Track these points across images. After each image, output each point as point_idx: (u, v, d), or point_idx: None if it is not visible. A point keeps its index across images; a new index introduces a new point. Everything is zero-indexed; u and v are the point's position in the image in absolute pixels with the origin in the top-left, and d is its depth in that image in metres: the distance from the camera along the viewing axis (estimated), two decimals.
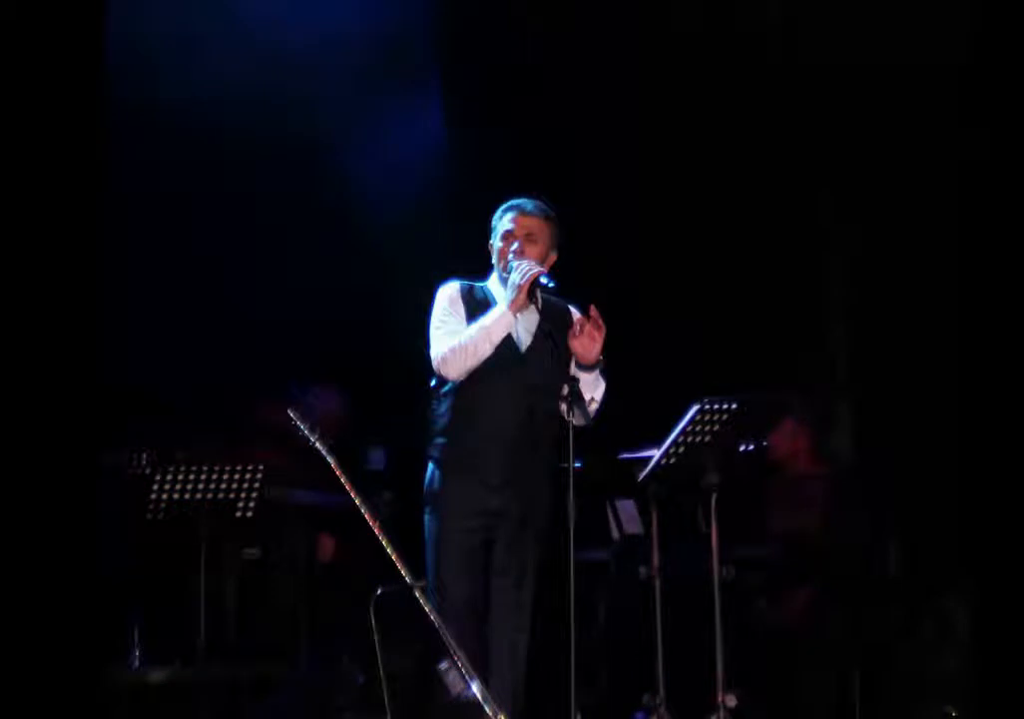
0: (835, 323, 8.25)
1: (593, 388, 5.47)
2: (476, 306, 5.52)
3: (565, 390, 5.26)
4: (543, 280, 5.36)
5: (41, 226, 7.16)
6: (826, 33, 7.72)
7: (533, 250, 5.51)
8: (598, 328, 5.37)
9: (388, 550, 4.89)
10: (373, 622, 5.07)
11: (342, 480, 4.99)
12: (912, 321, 7.68)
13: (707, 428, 6.03)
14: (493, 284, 5.60)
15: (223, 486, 6.09)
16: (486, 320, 5.42)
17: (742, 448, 6.69)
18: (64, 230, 7.61)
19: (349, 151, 8.07)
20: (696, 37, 7.93)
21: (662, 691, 6.25)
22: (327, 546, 6.87)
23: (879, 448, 7.76)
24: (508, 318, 5.41)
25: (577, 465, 5.23)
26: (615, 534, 7.16)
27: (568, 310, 5.60)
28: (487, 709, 4.82)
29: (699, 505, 6.49)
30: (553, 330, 5.46)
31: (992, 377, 7.08)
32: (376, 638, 5.08)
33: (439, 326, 5.52)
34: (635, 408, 6.40)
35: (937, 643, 6.70)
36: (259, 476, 6.12)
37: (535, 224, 5.55)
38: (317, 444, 5.25)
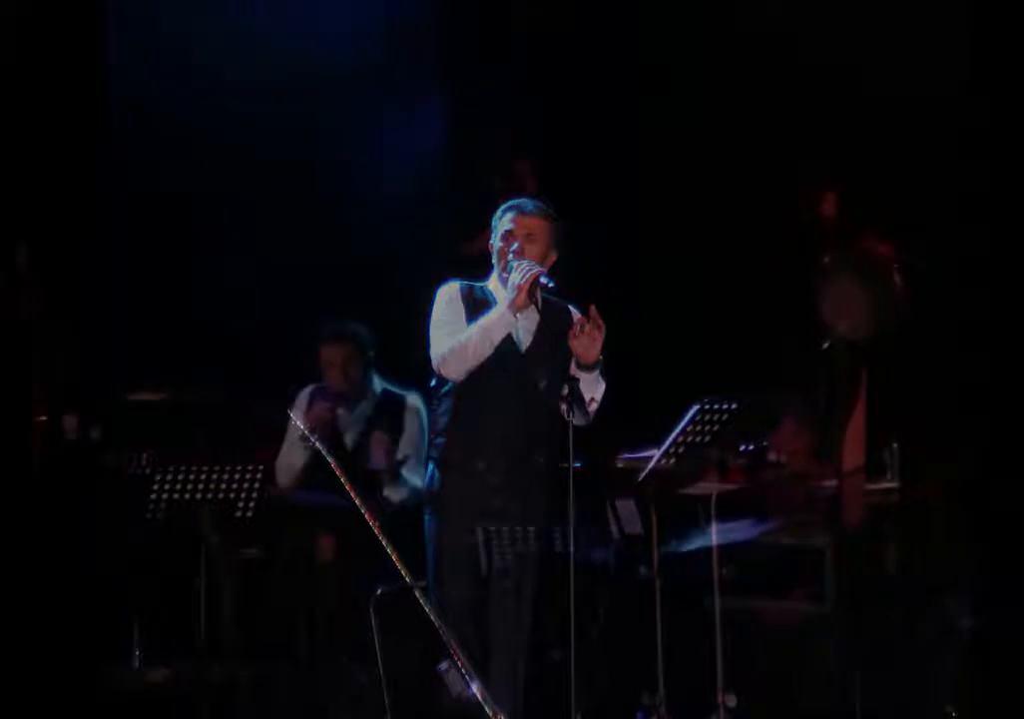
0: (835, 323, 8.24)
1: (593, 388, 5.47)
2: (476, 306, 5.52)
3: (565, 390, 5.27)
4: (543, 280, 5.36)
5: (41, 226, 7.17)
6: (826, 33, 7.71)
7: (533, 250, 5.51)
8: (598, 328, 5.37)
9: (388, 550, 4.88)
10: (373, 622, 5.07)
11: (342, 480, 4.99)
12: (912, 320, 7.67)
13: (707, 428, 6.03)
14: (493, 284, 5.60)
15: (223, 486, 6.08)
16: (486, 320, 5.42)
17: (742, 448, 6.69)
18: (64, 230, 7.63)
19: (349, 151, 8.08)
20: (696, 37, 7.93)
21: (662, 691, 6.25)
22: (327, 546, 6.87)
23: (879, 447, 7.76)
24: (508, 318, 5.41)
25: (577, 465, 5.23)
26: (615, 534, 7.16)
27: (568, 310, 5.60)
28: (487, 709, 4.81)
29: (699, 505, 6.49)
30: (553, 330, 5.47)
31: (992, 376, 7.09)
32: (376, 638, 5.08)
33: (439, 326, 5.52)
34: (635, 408, 6.40)
35: (937, 643, 6.69)
36: (259, 476, 6.12)
37: (535, 224, 5.55)
38: (317, 444, 5.25)
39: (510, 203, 5.62)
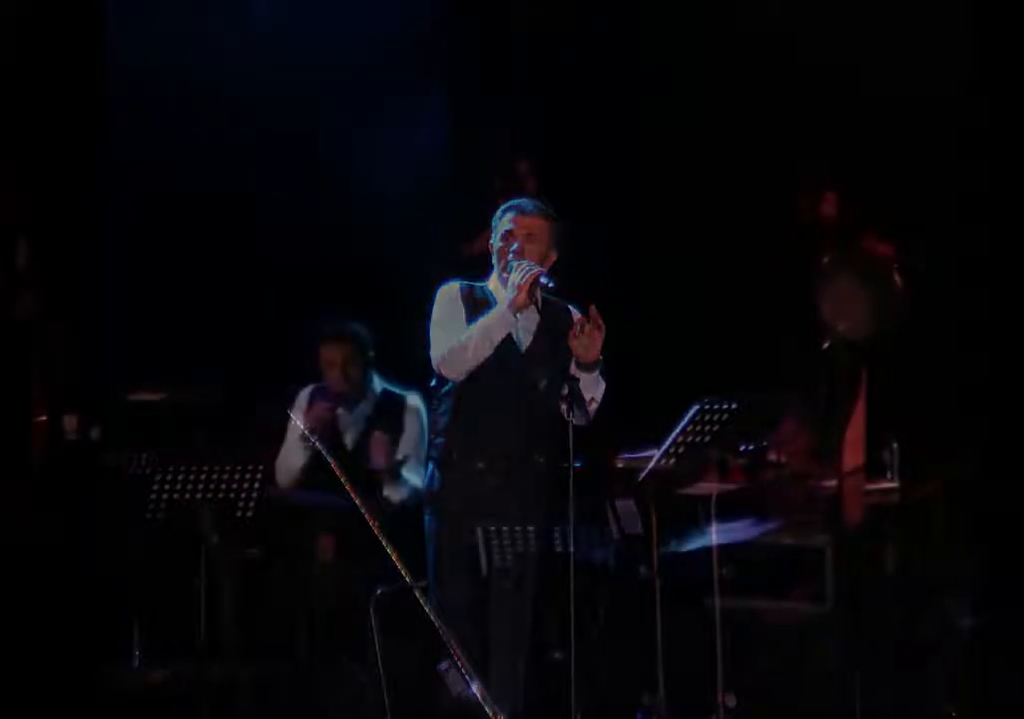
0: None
1: (593, 388, 5.46)
2: (476, 306, 5.52)
3: (565, 390, 5.26)
4: (543, 280, 5.35)
5: (41, 226, 7.17)
6: (826, 33, 7.72)
7: (533, 250, 5.50)
8: (598, 328, 5.36)
9: (388, 550, 4.88)
10: (373, 622, 5.07)
11: (342, 480, 4.99)
12: (912, 320, 7.68)
13: (707, 428, 6.02)
14: (493, 284, 5.60)
15: (223, 486, 6.08)
16: (486, 320, 5.42)
17: (742, 448, 6.69)
18: (64, 230, 7.63)
19: (349, 151, 8.08)
20: (696, 37, 7.94)
21: (662, 691, 6.25)
22: (327, 546, 6.87)
23: (879, 447, 7.76)
24: (508, 318, 5.41)
25: (577, 465, 5.22)
26: (615, 534, 7.16)
27: (568, 310, 5.60)
28: (487, 709, 4.81)
29: (699, 505, 6.49)
30: (553, 330, 5.47)
31: (992, 376, 7.10)
32: (376, 638, 5.08)
33: (439, 326, 5.51)
34: (635, 408, 6.40)
35: (937, 643, 6.70)
36: (259, 476, 6.12)
37: (535, 224, 5.55)
38: (317, 444, 5.24)
39: (510, 203, 5.62)
